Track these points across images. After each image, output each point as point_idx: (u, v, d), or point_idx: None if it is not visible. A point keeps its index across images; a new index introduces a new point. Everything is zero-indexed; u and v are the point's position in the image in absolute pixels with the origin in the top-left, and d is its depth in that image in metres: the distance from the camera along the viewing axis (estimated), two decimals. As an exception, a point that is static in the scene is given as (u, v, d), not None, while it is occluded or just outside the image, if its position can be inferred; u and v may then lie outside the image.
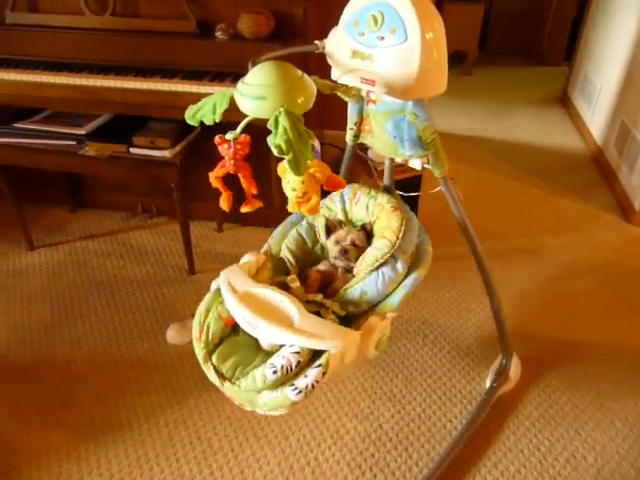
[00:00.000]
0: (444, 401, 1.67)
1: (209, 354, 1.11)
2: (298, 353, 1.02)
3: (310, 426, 1.59)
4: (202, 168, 2.25)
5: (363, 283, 1.23)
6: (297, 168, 0.96)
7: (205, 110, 1.08)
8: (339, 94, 1.28)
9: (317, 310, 1.17)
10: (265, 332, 1.07)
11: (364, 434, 1.57)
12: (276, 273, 1.31)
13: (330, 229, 1.38)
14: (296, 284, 1.24)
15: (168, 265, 2.25)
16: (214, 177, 1.16)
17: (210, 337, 1.13)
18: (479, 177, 2.96)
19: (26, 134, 1.98)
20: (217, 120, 1.06)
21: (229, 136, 1.08)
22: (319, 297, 1.21)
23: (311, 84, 1.05)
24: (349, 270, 1.31)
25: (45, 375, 1.76)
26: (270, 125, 0.98)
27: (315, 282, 1.28)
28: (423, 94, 1.24)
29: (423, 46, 1.16)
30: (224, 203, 1.16)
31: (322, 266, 1.34)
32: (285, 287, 1.23)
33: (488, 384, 1.69)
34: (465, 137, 3.47)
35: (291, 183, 1.07)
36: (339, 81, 1.30)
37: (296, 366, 1.01)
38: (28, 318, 1.98)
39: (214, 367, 1.10)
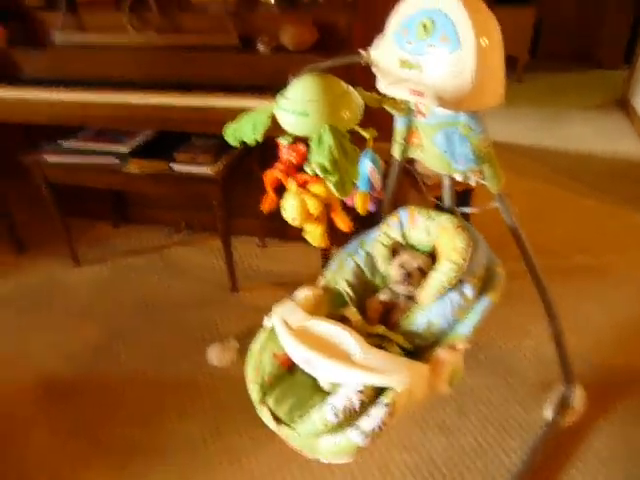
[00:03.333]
0: (501, 433, 1.54)
1: (264, 396, 1.05)
2: (361, 392, 0.94)
3: (357, 459, 1.48)
4: (244, 183, 2.23)
5: (429, 312, 1.14)
6: (342, 189, 0.89)
7: (245, 129, 1.02)
8: (386, 107, 1.20)
9: (380, 344, 1.09)
10: (323, 369, 1.00)
11: (414, 468, 1.46)
12: (334, 307, 1.24)
13: (396, 252, 1.29)
14: (356, 317, 1.16)
15: (210, 282, 2.22)
16: (268, 175, 1.12)
17: (265, 378, 1.07)
18: (533, 190, 2.80)
19: (71, 152, 1.99)
20: (259, 139, 1.00)
21: (282, 140, 1.03)
22: (381, 329, 1.13)
23: (357, 98, 0.98)
24: (411, 298, 1.22)
25: (85, 393, 1.73)
26: (313, 143, 0.92)
27: (376, 313, 1.21)
28: (478, 106, 1.15)
29: (478, 54, 1.07)
30: (264, 204, 1.12)
31: (383, 295, 1.25)
32: (344, 321, 1.16)
33: (549, 416, 1.55)
34: (517, 147, 3.31)
35: (288, 212, 1.02)
36: (386, 92, 1.23)
37: (359, 406, 0.94)
38: (73, 335, 1.98)
39: (270, 410, 1.03)
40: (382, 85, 1.25)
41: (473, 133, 1.21)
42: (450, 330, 1.13)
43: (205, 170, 1.85)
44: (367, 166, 1.03)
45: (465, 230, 1.21)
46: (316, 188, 1.04)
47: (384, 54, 1.24)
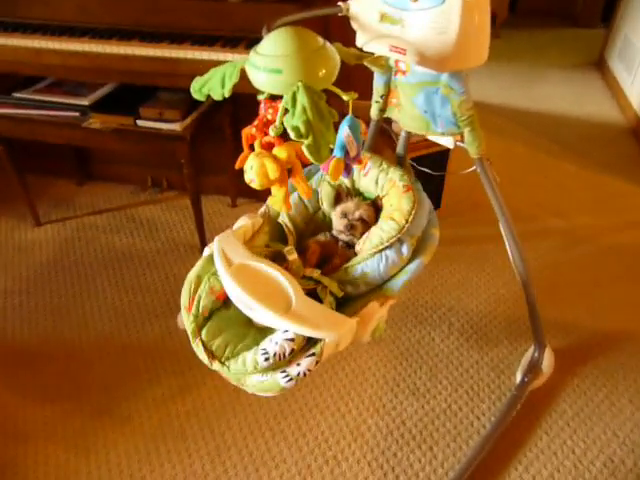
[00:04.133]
0: (471, 396, 1.56)
1: (199, 328, 1.05)
2: (292, 340, 0.96)
3: (329, 421, 1.50)
4: (214, 141, 2.14)
5: (365, 264, 1.15)
6: (317, 153, 0.83)
7: (213, 83, 0.95)
8: (366, 64, 1.14)
9: (314, 287, 1.10)
10: (260, 315, 1.00)
11: (386, 431, 1.48)
12: (273, 238, 1.24)
13: (339, 198, 1.29)
14: (294, 256, 1.16)
15: (179, 242, 2.15)
16: (245, 132, 1.05)
17: (200, 310, 1.07)
18: (508, 150, 2.78)
19: (26, 104, 1.85)
20: (226, 95, 0.93)
21: (259, 95, 0.95)
22: (317, 274, 1.13)
23: (334, 54, 0.91)
24: (350, 245, 1.23)
25: (51, 359, 1.68)
26: (286, 103, 0.85)
27: (314, 255, 1.20)
28: (461, 65, 1.09)
29: (463, 10, 1.01)
30: (239, 161, 1.06)
31: (322, 237, 1.25)
32: (282, 258, 1.16)
33: (519, 378, 1.58)
34: (493, 106, 3.26)
35: (248, 173, 0.97)
36: (364, 48, 1.16)
37: (289, 354, 0.95)
38: (34, 298, 1.90)
39: (203, 343, 1.03)
40: (361, 40, 1.18)
41: (455, 95, 1.16)
42: (381, 284, 1.14)
43: (172, 126, 1.75)
44: (344, 131, 0.97)
45: (413, 191, 1.19)
46: (279, 151, 0.98)
47: (364, 7, 1.16)
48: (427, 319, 1.81)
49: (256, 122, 1.02)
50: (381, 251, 1.13)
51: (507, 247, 1.35)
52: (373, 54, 1.14)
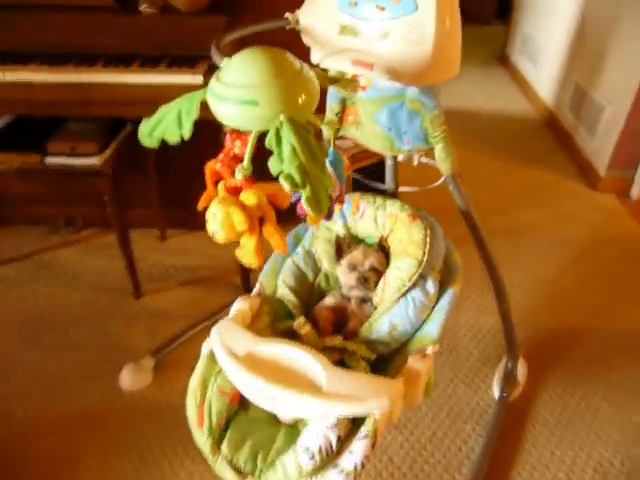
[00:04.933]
0: (453, 419, 1.49)
1: (217, 444, 0.86)
2: (335, 426, 0.79)
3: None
4: (136, 170, 1.91)
5: (391, 315, 1.01)
6: (318, 205, 0.69)
7: (166, 124, 0.77)
8: (337, 88, 1.01)
9: (340, 358, 0.94)
10: (286, 405, 0.83)
11: (374, 472, 1.36)
12: (276, 318, 1.06)
13: (340, 251, 1.13)
14: (307, 328, 1.00)
15: (107, 288, 1.90)
16: (208, 167, 0.87)
17: (215, 421, 0.88)
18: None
19: None
20: (186, 136, 0.76)
21: (226, 127, 0.79)
22: (338, 340, 0.98)
23: (313, 78, 0.77)
24: (365, 300, 1.08)
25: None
26: (269, 143, 0.70)
27: (328, 322, 1.05)
28: (438, 78, 1.00)
29: (438, 17, 0.92)
30: (201, 200, 0.88)
31: (331, 300, 1.10)
32: (292, 335, 1.00)
33: (497, 393, 1.53)
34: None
35: (211, 223, 0.80)
36: (321, 65, 1.03)
37: (337, 443, 0.78)
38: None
39: (227, 460, 0.84)
40: (317, 56, 1.05)
41: (426, 110, 1.07)
42: (415, 332, 1.01)
43: (89, 161, 1.52)
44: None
45: (421, 219, 1.08)
46: (247, 196, 0.82)
47: (318, 19, 1.04)
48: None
49: (221, 156, 0.86)
50: (405, 294, 1.00)
51: (483, 261, 1.29)
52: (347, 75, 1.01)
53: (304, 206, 0.68)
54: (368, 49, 0.98)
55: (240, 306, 1.01)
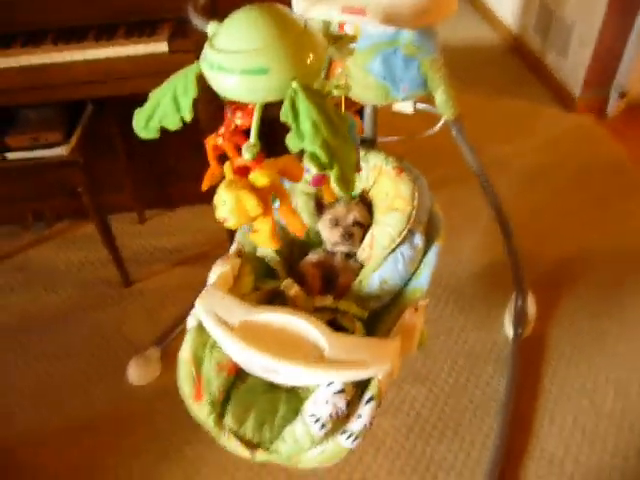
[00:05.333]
0: (472, 364, 1.49)
1: (220, 418, 0.83)
2: (343, 391, 0.78)
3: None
4: (103, 153, 1.77)
5: (381, 270, 0.98)
6: (347, 184, 0.62)
7: (163, 109, 0.68)
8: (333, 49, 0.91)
9: (332, 317, 0.92)
10: (291, 375, 0.81)
11: (405, 429, 1.36)
12: (259, 276, 1.02)
13: (320, 205, 1.08)
14: (295, 289, 0.95)
15: (92, 282, 1.80)
16: (209, 142, 0.79)
17: (215, 394, 0.84)
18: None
19: None
20: (188, 118, 0.67)
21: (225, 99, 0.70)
22: (329, 300, 0.95)
23: (319, 35, 0.68)
24: (350, 255, 1.04)
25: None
26: (285, 117, 0.62)
27: (315, 280, 1.01)
28: (436, 17, 0.93)
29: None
30: (205, 179, 0.80)
31: (314, 256, 1.05)
32: (280, 296, 0.96)
33: (510, 331, 1.53)
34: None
35: (220, 210, 0.72)
36: (305, 15, 0.93)
37: (346, 408, 0.77)
38: None
39: (234, 433, 0.81)
40: (300, 5, 0.95)
41: (423, 53, 1.00)
42: (404, 286, 0.99)
43: (56, 151, 1.39)
44: None
45: (407, 171, 1.02)
46: (258, 177, 0.73)
47: (299, -39, 0.93)
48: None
49: (222, 130, 0.78)
50: (394, 250, 0.96)
51: (487, 198, 1.26)
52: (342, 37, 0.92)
53: (334, 186, 0.61)
54: (358, -9, 0.89)
55: (221, 269, 0.95)
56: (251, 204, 0.71)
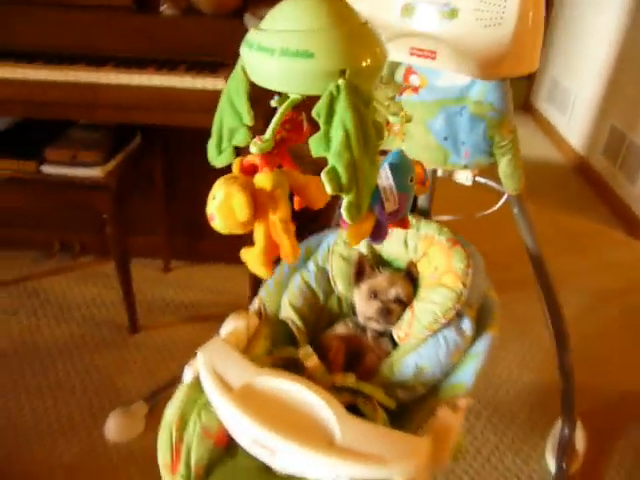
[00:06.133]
0: (502, 495, 1.24)
1: None
2: None
3: None
4: (141, 190, 1.73)
5: (418, 355, 0.82)
6: (358, 212, 0.50)
7: (227, 124, 0.59)
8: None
9: (352, 401, 0.75)
10: (291, 459, 0.63)
11: None
12: (276, 342, 0.88)
13: (360, 273, 0.94)
14: (314, 361, 0.81)
15: (101, 322, 1.68)
16: (237, 163, 0.67)
17: (193, 467, 0.69)
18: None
19: None
20: (249, 121, 0.58)
21: (274, 103, 0.60)
22: (351, 380, 0.79)
23: (380, 37, 0.60)
24: (382, 334, 0.89)
25: None
26: (318, 112, 0.52)
27: (340, 355, 0.85)
28: (516, 69, 0.83)
29: (524, -9, 0.76)
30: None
31: (342, 329, 0.91)
32: (295, 367, 0.81)
33: (552, 464, 1.28)
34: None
35: (210, 205, 0.59)
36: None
37: None
38: None
39: None
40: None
41: (493, 113, 0.89)
42: (444, 379, 0.83)
43: (91, 172, 1.35)
44: (383, 174, 0.63)
45: (462, 245, 0.88)
46: (262, 179, 0.61)
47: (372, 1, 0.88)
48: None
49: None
50: (437, 332, 0.82)
51: (546, 305, 1.09)
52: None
53: (343, 212, 0.49)
54: (429, 32, 0.82)
55: (235, 324, 0.82)
56: (239, 203, 0.58)
